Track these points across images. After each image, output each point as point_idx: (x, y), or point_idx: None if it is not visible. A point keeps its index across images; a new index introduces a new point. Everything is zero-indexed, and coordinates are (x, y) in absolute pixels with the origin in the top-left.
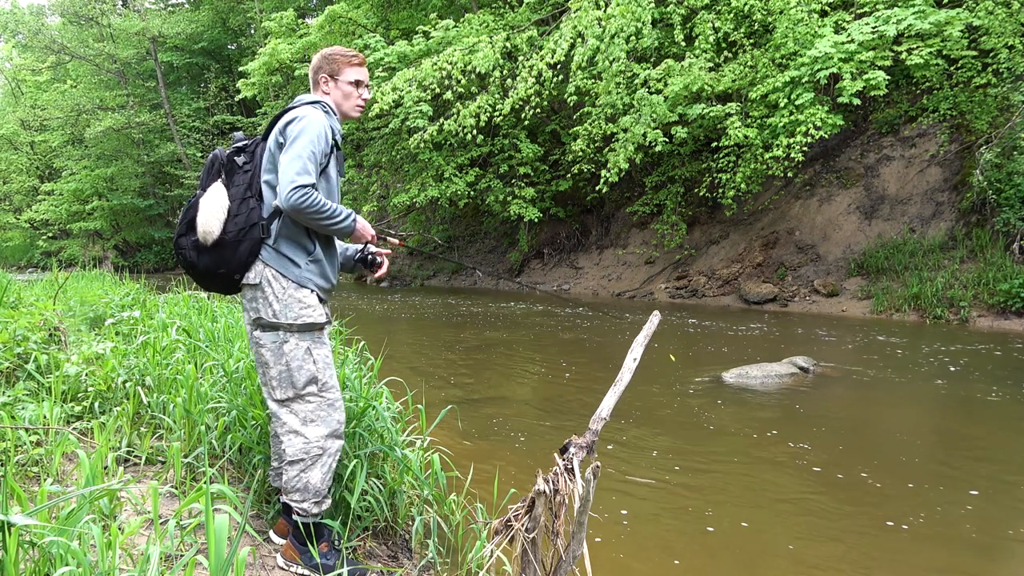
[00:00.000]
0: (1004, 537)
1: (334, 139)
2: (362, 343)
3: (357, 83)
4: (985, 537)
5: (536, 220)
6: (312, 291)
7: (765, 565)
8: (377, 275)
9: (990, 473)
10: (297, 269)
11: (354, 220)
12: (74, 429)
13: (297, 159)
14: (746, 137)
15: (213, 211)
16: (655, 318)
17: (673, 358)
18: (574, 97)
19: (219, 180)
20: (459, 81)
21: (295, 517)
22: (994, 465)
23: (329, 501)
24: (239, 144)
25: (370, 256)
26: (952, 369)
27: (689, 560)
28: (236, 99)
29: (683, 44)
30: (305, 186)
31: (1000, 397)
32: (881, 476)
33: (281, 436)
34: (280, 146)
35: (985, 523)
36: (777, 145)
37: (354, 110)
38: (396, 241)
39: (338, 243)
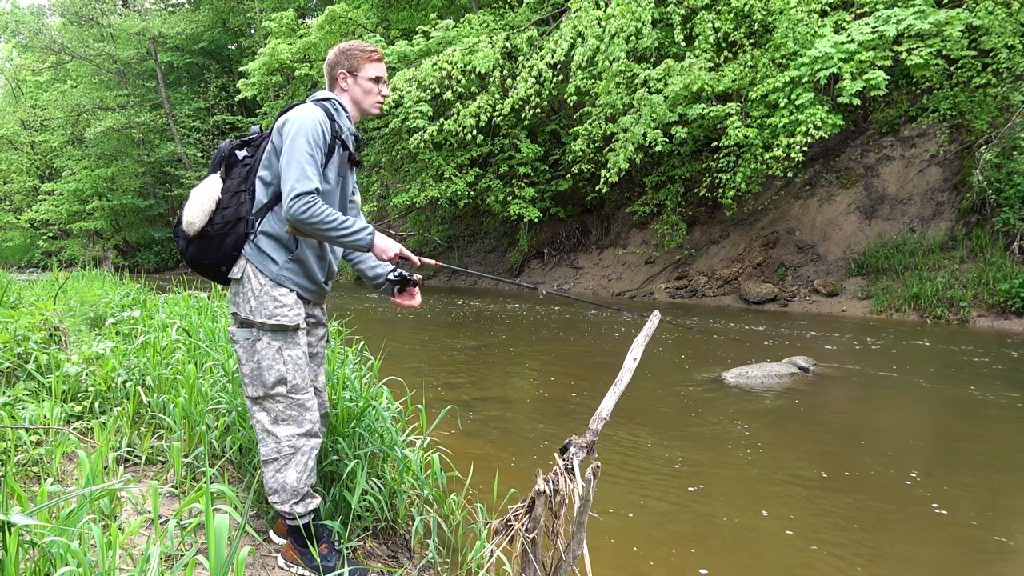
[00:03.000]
0: (1004, 537)
1: (336, 138)
2: (362, 343)
3: (377, 79)
4: (985, 537)
5: (536, 220)
6: (291, 290)
7: (765, 564)
8: (406, 304)
9: (990, 474)
10: (275, 267)
11: (371, 234)
12: (74, 429)
13: (294, 164)
14: (746, 137)
15: (199, 202)
16: (655, 318)
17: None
18: (574, 97)
19: (217, 172)
20: (459, 81)
21: (288, 522)
22: (994, 466)
23: (317, 500)
24: (246, 138)
25: (404, 276)
26: (952, 369)
27: (689, 560)
28: (236, 99)
29: (683, 44)
30: (305, 193)
31: (1000, 397)
32: (881, 476)
33: (257, 435)
34: (276, 148)
35: (985, 523)
36: (777, 145)
37: (374, 107)
38: (432, 262)
39: (368, 258)
